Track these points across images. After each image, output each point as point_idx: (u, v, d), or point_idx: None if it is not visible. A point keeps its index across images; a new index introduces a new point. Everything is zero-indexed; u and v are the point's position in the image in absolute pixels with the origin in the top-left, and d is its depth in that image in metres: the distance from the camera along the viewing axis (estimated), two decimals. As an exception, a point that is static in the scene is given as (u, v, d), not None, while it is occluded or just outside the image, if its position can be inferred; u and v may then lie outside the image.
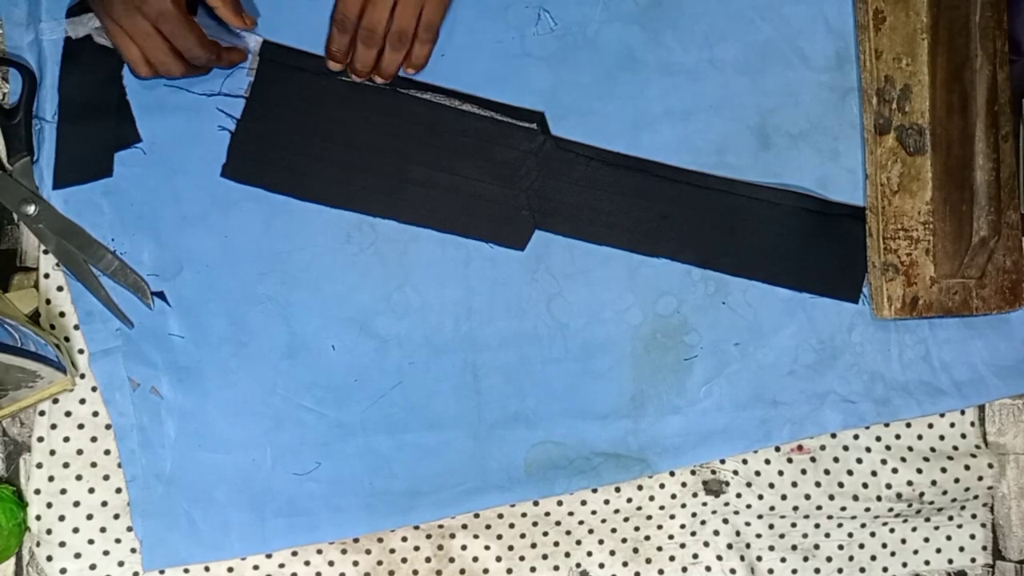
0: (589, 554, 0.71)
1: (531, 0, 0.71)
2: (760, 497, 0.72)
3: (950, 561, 0.74)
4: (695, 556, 0.72)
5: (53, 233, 0.67)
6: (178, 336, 0.68)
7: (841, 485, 0.73)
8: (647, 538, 0.72)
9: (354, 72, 0.68)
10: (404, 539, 0.69)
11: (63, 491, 0.67)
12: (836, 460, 0.73)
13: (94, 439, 0.67)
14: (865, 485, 0.73)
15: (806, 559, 0.73)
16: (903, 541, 0.74)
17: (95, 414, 0.67)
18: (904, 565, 0.74)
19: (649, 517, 0.72)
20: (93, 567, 0.67)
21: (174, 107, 0.68)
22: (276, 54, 0.69)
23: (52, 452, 0.67)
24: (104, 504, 0.67)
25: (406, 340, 0.69)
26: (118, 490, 0.67)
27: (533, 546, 0.71)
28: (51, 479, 0.67)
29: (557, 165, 0.71)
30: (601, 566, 0.71)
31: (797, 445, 0.73)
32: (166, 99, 0.68)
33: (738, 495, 0.72)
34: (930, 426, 0.74)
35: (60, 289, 0.68)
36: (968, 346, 0.74)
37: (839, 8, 0.75)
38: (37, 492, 0.67)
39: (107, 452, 0.67)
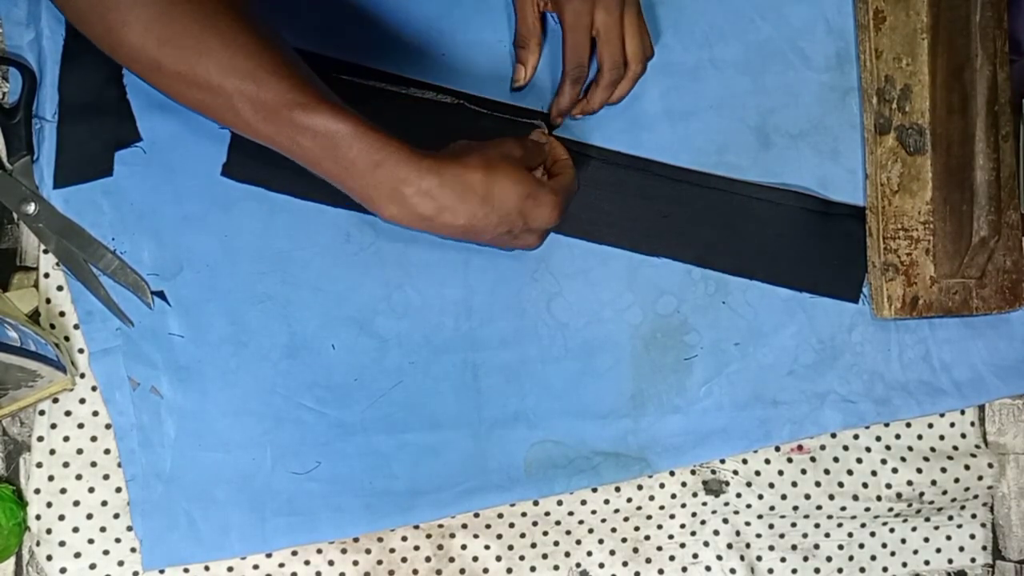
0: (589, 554, 0.71)
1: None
2: (760, 497, 0.72)
3: (950, 561, 0.74)
4: (695, 556, 0.72)
5: (53, 232, 0.67)
6: (178, 336, 0.68)
7: (841, 485, 0.73)
8: (647, 538, 0.72)
9: (562, 115, 0.70)
10: (404, 538, 0.69)
11: (63, 490, 0.67)
12: (836, 460, 0.73)
13: (94, 438, 0.67)
14: (865, 485, 0.73)
15: (806, 559, 0.73)
16: (903, 541, 0.74)
17: (95, 413, 0.67)
18: (904, 565, 0.74)
19: (649, 517, 0.72)
20: (93, 566, 0.67)
21: (174, 106, 0.67)
22: (276, 53, 0.69)
23: (52, 451, 0.67)
24: (104, 503, 0.67)
25: (406, 340, 0.69)
26: (118, 489, 0.67)
27: (533, 546, 0.71)
28: (51, 478, 0.67)
29: (557, 164, 0.71)
30: (601, 566, 0.71)
31: (797, 445, 0.73)
32: (167, 98, 0.68)
33: (738, 495, 0.72)
34: (930, 426, 0.74)
35: (60, 288, 0.68)
36: (968, 346, 0.74)
37: (839, 8, 0.75)
38: (37, 491, 0.67)
39: (107, 451, 0.67)
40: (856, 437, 0.73)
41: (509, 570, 0.70)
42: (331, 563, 0.68)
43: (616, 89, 0.69)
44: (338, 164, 0.58)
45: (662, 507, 0.72)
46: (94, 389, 0.67)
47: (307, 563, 0.68)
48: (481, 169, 0.60)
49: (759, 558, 0.73)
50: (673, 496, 0.72)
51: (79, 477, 0.67)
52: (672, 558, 0.72)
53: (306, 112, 0.56)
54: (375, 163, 0.57)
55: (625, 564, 0.71)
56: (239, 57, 0.55)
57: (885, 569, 0.74)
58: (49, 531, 0.66)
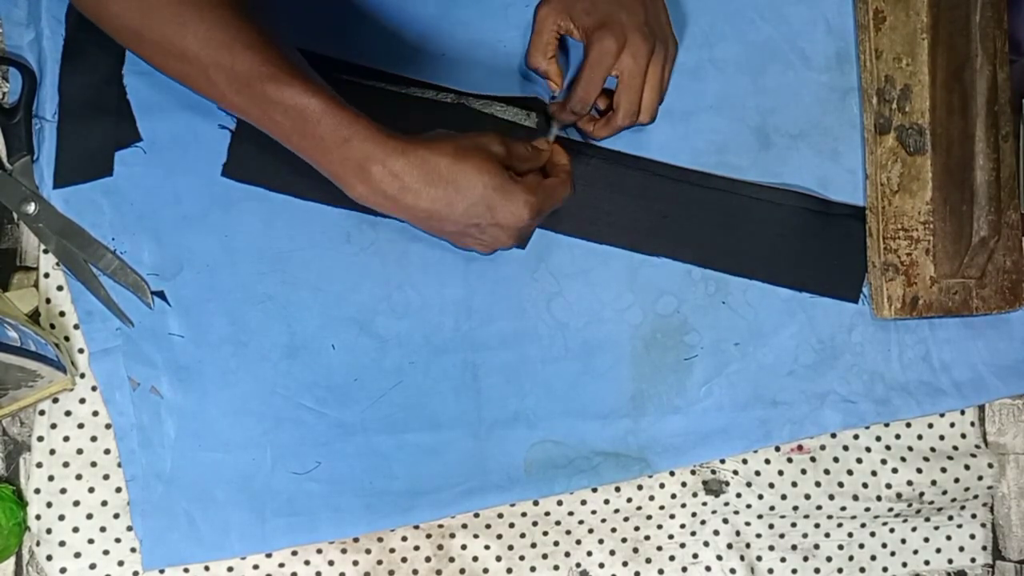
0: (589, 554, 0.71)
1: (531, 0, 0.71)
2: (760, 497, 0.72)
3: (950, 561, 0.74)
4: (695, 556, 0.72)
5: (53, 232, 0.67)
6: (178, 336, 0.68)
7: (841, 485, 0.73)
8: (647, 538, 0.72)
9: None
10: (404, 538, 0.69)
11: (63, 490, 0.67)
12: (836, 460, 0.73)
13: (94, 438, 0.67)
14: (865, 485, 0.73)
15: (806, 559, 0.73)
16: (903, 541, 0.74)
17: (95, 413, 0.67)
18: (904, 565, 0.74)
19: (649, 517, 0.72)
20: (93, 566, 0.67)
21: (175, 106, 0.68)
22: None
23: (52, 451, 0.67)
24: (104, 503, 0.67)
25: (406, 340, 0.69)
26: (118, 489, 0.67)
27: (533, 546, 0.71)
28: (51, 478, 0.67)
29: (557, 164, 0.71)
30: (601, 566, 0.71)
31: (797, 445, 0.73)
32: (167, 98, 0.68)
33: (738, 495, 0.72)
34: (930, 426, 0.74)
35: (60, 288, 0.68)
36: (968, 346, 0.74)
37: (839, 8, 0.75)
38: (37, 491, 0.67)
39: (107, 451, 0.67)
40: (856, 437, 0.73)
41: (509, 570, 0.70)
42: (331, 563, 0.68)
43: (616, 130, 0.69)
44: (307, 139, 0.58)
45: (662, 507, 0.72)
46: (94, 389, 0.67)
47: (307, 563, 0.68)
48: (450, 155, 0.59)
49: (759, 558, 0.73)
50: (673, 496, 0.72)
51: (79, 477, 0.67)
52: (672, 558, 0.72)
53: (277, 86, 0.57)
54: (343, 139, 0.58)
55: (625, 564, 0.71)
56: (216, 29, 0.56)
57: (885, 569, 0.74)
58: (49, 531, 0.66)
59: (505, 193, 0.60)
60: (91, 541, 0.67)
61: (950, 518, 0.74)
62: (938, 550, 0.74)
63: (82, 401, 0.67)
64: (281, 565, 0.68)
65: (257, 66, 0.57)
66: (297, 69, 0.58)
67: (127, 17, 0.57)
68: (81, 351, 0.67)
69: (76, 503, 0.67)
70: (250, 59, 0.57)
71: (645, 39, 0.65)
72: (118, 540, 0.67)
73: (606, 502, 0.71)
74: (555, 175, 0.65)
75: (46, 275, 0.68)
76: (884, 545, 0.74)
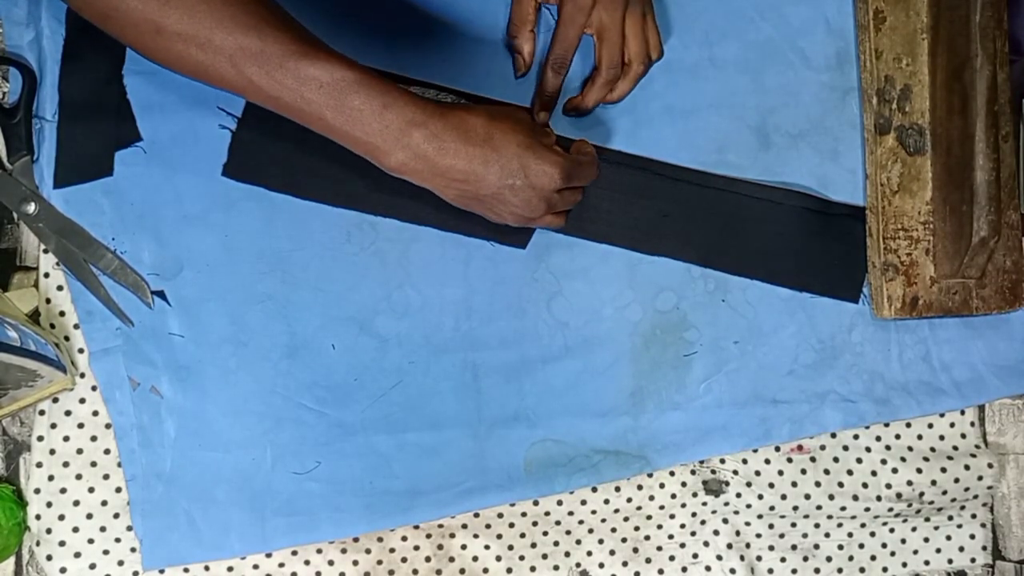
0: (589, 554, 0.71)
1: (531, -1, 0.71)
2: (760, 497, 0.72)
3: (950, 561, 0.74)
4: (695, 556, 0.72)
5: (53, 232, 0.67)
6: (178, 335, 0.68)
7: (841, 485, 0.73)
8: (647, 538, 0.72)
9: (545, 108, 0.70)
10: (404, 538, 0.69)
11: (63, 490, 0.67)
12: (836, 460, 0.73)
13: (94, 438, 0.67)
14: (865, 485, 0.73)
15: (806, 559, 0.73)
16: (903, 541, 0.74)
17: (95, 413, 0.67)
18: (904, 565, 0.74)
19: (649, 517, 0.72)
20: (93, 566, 0.67)
21: (175, 106, 0.68)
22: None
23: (52, 451, 0.67)
24: (104, 503, 0.67)
25: (406, 339, 0.69)
26: (118, 489, 0.67)
27: (533, 545, 0.71)
28: (51, 478, 0.67)
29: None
30: (601, 566, 0.71)
31: (797, 445, 0.73)
32: (167, 98, 0.68)
33: (738, 495, 0.72)
34: (930, 426, 0.74)
35: (60, 288, 0.68)
36: (968, 346, 0.74)
37: (839, 8, 0.75)
38: (37, 491, 0.67)
39: (107, 451, 0.67)
40: (856, 437, 0.73)
41: (509, 570, 0.70)
42: (331, 563, 0.68)
43: (615, 89, 0.70)
44: (343, 113, 0.58)
45: (662, 507, 0.72)
46: (94, 389, 0.67)
47: (307, 563, 0.68)
48: (484, 116, 0.61)
49: (759, 558, 0.73)
50: (673, 496, 0.72)
51: (79, 477, 0.67)
52: (672, 558, 0.72)
53: (311, 61, 0.57)
54: (383, 105, 0.58)
55: (625, 564, 0.71)
56: (240, 12, 0.56)
57: (885, 569, 0.74)
58: (49, 531, 0.66)
59: (537, 153, 0.62)
60: (91, 541, 0.67)
61: (950, 518, 0.74)
62: (938, 550, 0.74)
63: (82, 401, 0.67)
64: (281, 565, 0.68)
65: (287, 44, 0.57)
66: (323, 45, 0.58)
67: (147, 9, 0.55)
68: (81, 351, 0.67)
69: (76, 503, 0.67)
70: (279, 39, 0.56)
71: None
72: (118, 540, 0.67)
73: (606, 502, 0.71)
74: (581, 153, 0.67)
75: (46, 275, 0.68)
76: (884, 545, 0.74)
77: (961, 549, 0.74)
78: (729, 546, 0.72)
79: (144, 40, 0.57)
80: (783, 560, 0.73)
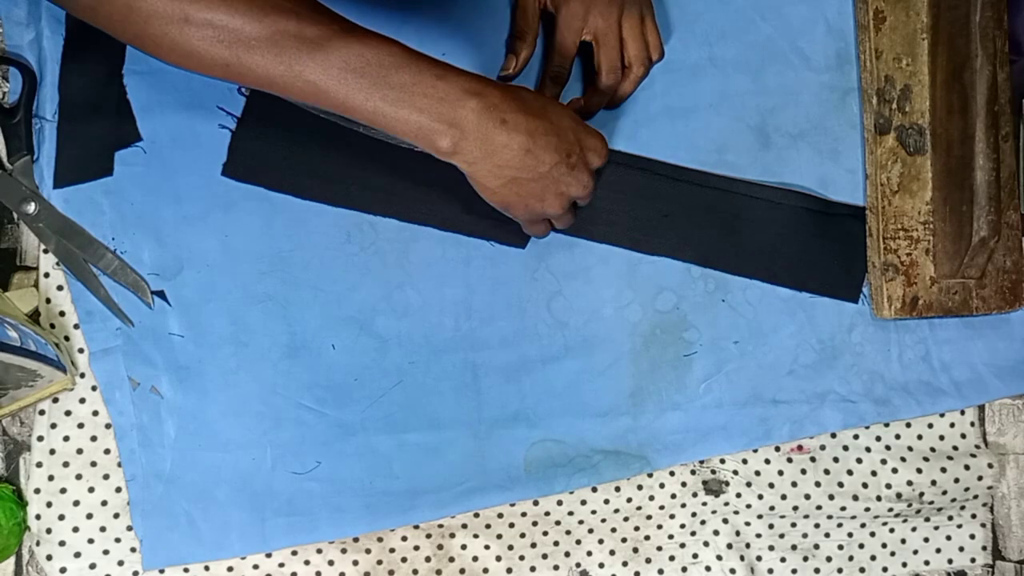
0: (589, 554, 0.71)
1: (531, -1, 0.71)
2: (760, 497, 0.72)
3: (950, 561, 0.74)
4: (695, 556, 0.72)
5: (53, 232, 0.67)
6: (178, 335, 0.68)
7: (841, 485, 0.73)
8: (647, 538, 0.72)
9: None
10: (404, 538, 0.69)
11: (63, 490, 0.67)
12: (836, 460, 0.73)
13: (94, 438, 0.67)
14: (865, 485, 0.73)
15: (806, 559, 0.73)
16: (903, 541, 0.74)
17: (95, 413, 0.67)
18: (904, 565, 0.74)
19: (649, 517, 0.72)
20: (93, 566, 0.67)
21: (175, 106, 0.68)
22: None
23: (52, 451, 0.67)
24: (104, 503, 0.67)
25: (406, 339, 0.69)
26: (118, 489, 0.67)
27: (533, 545, 0.71)
28: (51, 478, 0.67)
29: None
30: (601, 566, 0.71)
31: (797, 445, 0.73)
32: (167, 98, 0.68)
33: (738, 495, 0.72)
34: (930, 426, 0.74)
35: (60, 288, 0.68)
36: (968, 346, 0.74)
37: (839, 8, 0.75)
38: (37, 491, 0.67)
39: (107, 451, 0.67)
40: (856, 437, 0.73)
41: (509, 570, 0.70)
42: (331, 563, 0.68)
43: (616, 92, 0.70)
44: (395, 88, 0.54)
45: (662, 507, 0.72)
46: (94, 389, 0.67)
47: (307, 563, 0.68)
48: (534, 91, 0.61)
49: (759, 558, 0.73)
50: (673, 496, 0.72)
51: (79, 477, 0.67)
52: (672, 558, 0.72)
53: (356, 38, 0.54)
54: (436, 76, 0.55)
55: (625, 564, 0.71)
56: None
57: (885, 569, 0.74)
58: (49, 531, 0.66)
59: (586, 128, 0.61)
60: (91, 541, 0.67)
61: (950, 518, 0.74)
62: (938, 550, 0.74)
63: (82, 401, 0.67)
64: (281, 565, 0.68)
65: (328, 24, 0.54)
66: (357, 24, 0.56)
67: (174, 3, 0.52)
68: (81, 351, 0.68)
69: (76, 503, 0.67)
70: (318, 19, 0.54)
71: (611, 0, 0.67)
72: (118, 540, 0.67)
73: (606, 502, 0.71)
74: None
75: (46, 275, 0.68)
76: (884, 545, 0.74)
77: (961, 549, 0.74)
78: (729, 546, 0.72)
79: (170, 39, 0.53)
80: (783, 560, 0.73)
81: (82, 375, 0.67)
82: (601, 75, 0.68)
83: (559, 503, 0.71)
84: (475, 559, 0.70)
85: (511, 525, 0.70)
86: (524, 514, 0.70)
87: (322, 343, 0.69)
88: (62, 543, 0.66)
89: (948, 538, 0.74)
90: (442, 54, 0.70)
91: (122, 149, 0.68)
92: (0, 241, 0.68)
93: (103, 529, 0.67)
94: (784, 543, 0.73)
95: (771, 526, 0.73)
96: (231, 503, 0.67)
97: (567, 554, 0.71)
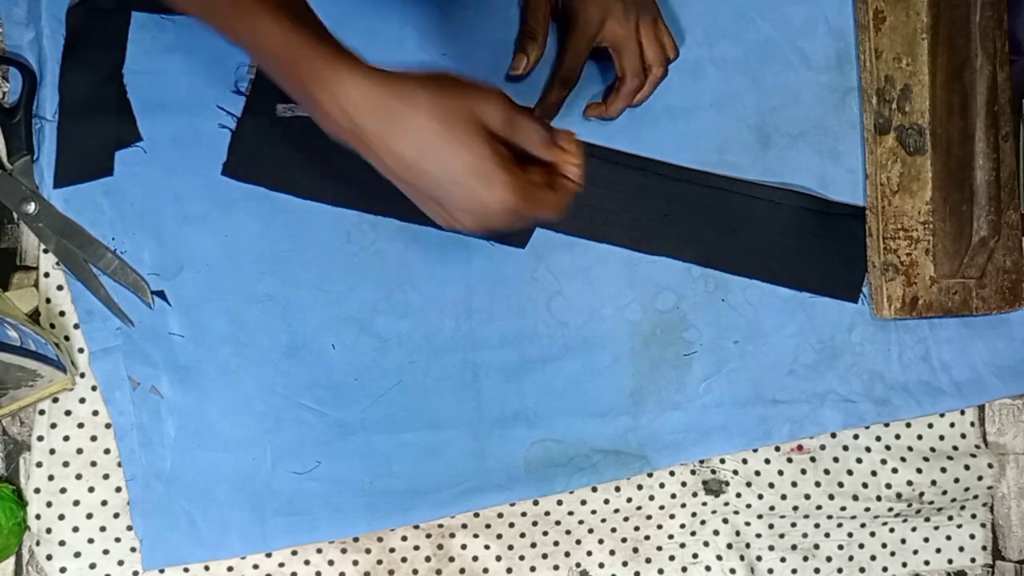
0: (589, 553, 0.71)
1: (531, 0, 0.71)
2: (760, 497, 0.72)
3: (950, 561, 0.74)
4: (695, 556, 0.72)
5: (53, 232, 0.67)
6: (178, 335, 0.68)
7: (841, 485, 0.73)
8: (647, 538, 0.72)
9: (548, 115, 0.69)
10: (404, 538, 0.69)
11: (63, 490, 0.67)
12: (836, 460, 0.73)
13: (94, 438, 0.67)
14: (865, 485, 0.73)
15: (806, 559, 0.73)
16: (903, 541, 0.74)
17: (95, 413, 0.67)
18: (904, 565, 0.74)
19: (649, 517, 0.72)
20: (93, 566, 0.67)
21: (175, 106, 0.68)
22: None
23: (52, 451, 0.67)
24: (104, 503, 0.67)
25: (406, 339, 0.69)
26: (118, 489, 0.67)
27: (533, 545, 0.71)
28: (51, 478, 0.67)
29: (557, 163, 0.71)
30: (601, 565, 0.71)
31: (797, 445, 0.73)
32: (167, 98, 0.68)
33: (738, 495, 0.72)
34: (930, 426, 0.74)
35: (60, 288, 0.68)
36: (968, 346, 0.74)
37: (839, 8, 0.75)
38: (37, 491, 0.67)
39: (107, 451, 0.67)
40: (856, 437, 0.73)
41: (509, 570, 0.70)
42: (331, 563, 0.68)
43: (637, 95, 0.70)
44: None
45: (662, 507, 0.72)
46: (94, 389, 0.67)
47: (307, 563, 0.68)
48: (437, 119, 0.52)
49: (759, 558, 0.73)
50: (673, 496, 0.72)
51: (79, 477, 0.67)
52: (672, 558, 0.72)
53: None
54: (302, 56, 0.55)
55: (625, 564, 0.71)
56: None
57: (885, 569, 0.74)
58: (49, 531, 0.66)
59: (485, 180, 0.51)
60: (91, 541, 0.67)
61: (950, 518, 0.74)
62: (938, 550, 0.74)
63: (82, 401, 0.67)
64: (281, 565, 0.68)
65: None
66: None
67: None
68: (81, 351, 0.67)
69: (76, 503, 0.67)
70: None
71: (627, 6, 0.67)
72: (118, 540, 0.67)
73: (606, 502, 0.71)
74: (558, 186, 0.57)
75: (46, 275, 0.68)
76: (884, 545, 0.74)
77: (961, 549, 0.74)
78: (729, 546, 0.72)
79: None
80: (783, 560, 0.73)
81: (82, 375, 0.67)
82: (626, 80, 0.69)
83: (559, 503, 0.71)
84: (475, 559, 0.70)
85: (511, 525, 0.70)
86: (524, 514, 0.70)
87: (322, 343, 0.69)
88: (62, 543, 0.66)
89: (948, 538, 0.74)
90: (442, 54, 0.70)
91: (122, 149, 0.68)
92: (0, 241, 0.68)
93: (103, 529, 0.67)
94: (784, 543, 0.73)
95: (771, 526, 0.73)
96: (231, 503, 0.67)
97: (567, 554, 0.71)
